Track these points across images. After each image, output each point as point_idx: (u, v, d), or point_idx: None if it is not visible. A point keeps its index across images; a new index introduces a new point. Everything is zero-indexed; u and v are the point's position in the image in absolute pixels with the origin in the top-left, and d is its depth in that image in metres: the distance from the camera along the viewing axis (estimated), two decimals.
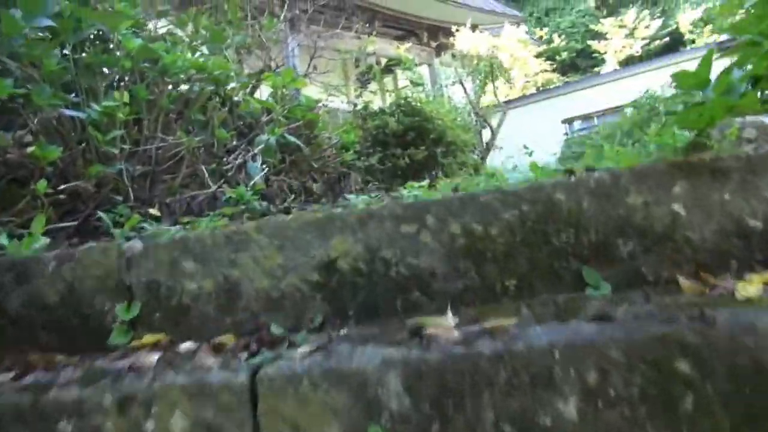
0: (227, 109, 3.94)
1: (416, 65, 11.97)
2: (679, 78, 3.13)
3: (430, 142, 6.67)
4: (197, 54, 4.41)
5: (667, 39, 23.90)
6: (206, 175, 3.14)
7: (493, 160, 10.94)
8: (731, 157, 1.39)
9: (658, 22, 23.78)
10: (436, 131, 6.65)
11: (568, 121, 17.52)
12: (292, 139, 3.85)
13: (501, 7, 15.21)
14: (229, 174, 3.34)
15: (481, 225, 1.40)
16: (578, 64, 25.15)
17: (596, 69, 24.89)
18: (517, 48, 7.66)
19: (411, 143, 6.65)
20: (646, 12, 24.45)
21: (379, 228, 1.43)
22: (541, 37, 24.85)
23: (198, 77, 3.66)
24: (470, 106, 7.42)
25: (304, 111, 4.41)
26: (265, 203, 3.03)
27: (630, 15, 24.04)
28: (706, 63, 2.86)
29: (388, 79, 15.69)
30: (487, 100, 8.25)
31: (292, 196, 3.78)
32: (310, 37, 8.68)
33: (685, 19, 23.45)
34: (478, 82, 7.46)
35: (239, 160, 3.44)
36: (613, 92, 17.05)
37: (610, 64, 24.08)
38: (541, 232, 1.39)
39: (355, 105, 6.81)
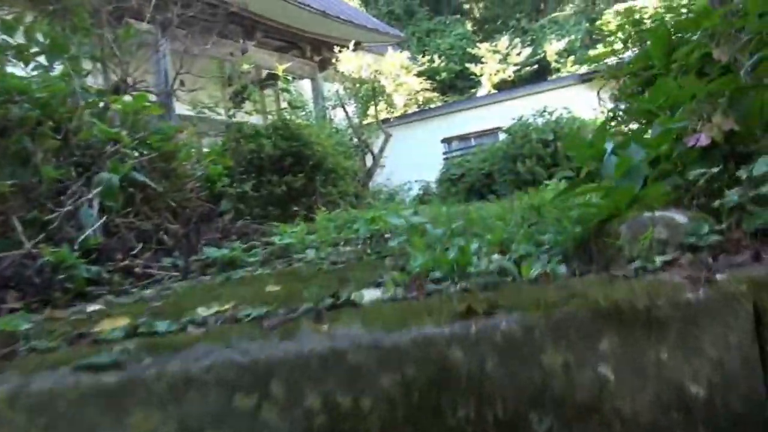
0: (62, 138, 3.26)
1: (294, 79, 11.46)
2: (574, 146, 2.89)
3: (309, 168, 6.22)
4: (31, 66, 3.69)
5: (536, 66, 25.12)
6: (19, 227, 2.49)
7: (375, 180, 10.72)
8: (668, 304, 1.07)
9: (528, 50, 24.93)
10: (315, 157, 6.20)
11: (447, 141, 17.76)
12: (140, 176, 3.25)
13: (384, 26, 15.09)
14: (55, 224, 2.69)
15: (350, 396, 0.98)
16: (457, 84, 25.78)
17: (473, 90, 25.67)
18: (399, 73, 7.44)
19: (289, 169, 6.16)
20: (517, 40, 25.57)
21: (203, 400, 0.97)
22: (423, 54, 25.28)
23: (21, 98, 2.97)
24: (352, 130, 7.07)
25: (161, 140, 3.79)
26: (96, 268, 2.43)
27: (504, 41, 25.02)
28: (600, 134, 2.65)
29: (268, 92, 15.10)
30: (369, 121, 7.96)
31: (141, 245, 3.16)
32: (183, 43, 7.95)
33: (551, 49, 24.76)
34: (360, 105, 7.13)
35: (69, 206, 2.80)
36: (488, 115, 17.52)
37: (485, 87, 24.93)
38: (432, 405, 0.99)
39: (228, 125, 6.22)
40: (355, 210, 6.30)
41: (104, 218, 2.85)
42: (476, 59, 25.48)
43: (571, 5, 27.85)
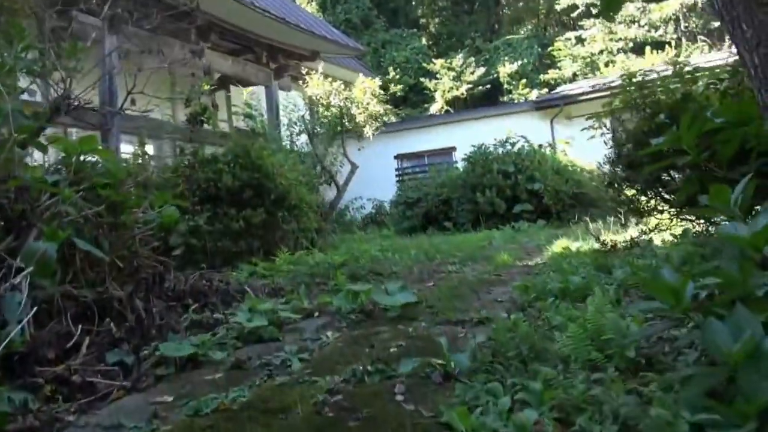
0: None
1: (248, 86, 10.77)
2: (654, 288, 2.25)
3: (270, 202, 5.62)
4: None
5: (489, 86, 25.15)
6: None
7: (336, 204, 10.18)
8: None
9: (482, 70, 24.92)
10: (278, 191, 5.62)
11: (400, 158, 17.39)
12: (83, 244, 2.62)
13: (344, 38, 14.55)
14: None
15: None
16: (410, 98, 25.48)
17: (426, 105, 25.44)
18: (370, 101, 6.91)
19: (248, 202, 5.55)
20: (472, 58, 25.53)
21: None
22: (378, 64, 24.84)
23: None
24: (317, 158, 6.49)
25: (109, 187, 3.16)
26: (20, 396, 1.82)
27: (458, 59, 24.92)
28: (684, 281, 2.13)
29: (219, 94, 14.27)
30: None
31: (80, 328, 2.53)
32: (130, 40, 7.18)
33: (504, 70, 24.84)
34: (326, 132, 6.56)
35: None
36: (443, 134, 17.28)
37: (439, 103, 24.74)
38: None
39: (182, 150, 5.55)
40: (319, 252, 5.75)
41: (34, 309, 2.22)
42: (431, 74, 25.26)
43: (524, 30, 28.11)
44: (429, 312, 3.16)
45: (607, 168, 4.45)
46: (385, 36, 26.67)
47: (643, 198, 4.15)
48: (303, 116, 6.63)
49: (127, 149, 7.21)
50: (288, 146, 10.21)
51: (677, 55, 23.03)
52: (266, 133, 6.62)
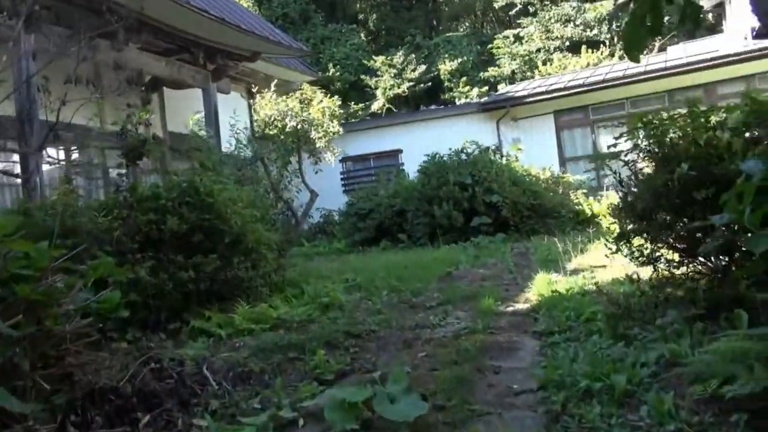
0: None
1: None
2: None
3: (224, 246, 4.85)
4: None
5: (430, 84, 24.72)
6: None
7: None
8: None
9: (423, 67, 24.44)
10: (233, 233, 4.85)
11: (345, 161, 16.67)
12: None
13: (288, 39, 13.64)
14: None
15: None
16: (351, 95, 24.71)
17: (367, 102, 24.73)
18: (329, 124, 6.16)
19: (198, 248, 4.75)
20: (412, 55, 25.01)
21: None
22: (318, 61, 23.91)
23: None
24: (271, 186, 5.70)
25: (26, 281, 2.36)
26: None
27: (399, 56, 24.35)
28: None
29: (153, 97, 13.12)
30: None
31: None
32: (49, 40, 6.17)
33: (444, 68, 24.46)
34: (281, 156, 5.78)
35: None
36: (388, 136, 16.69)
37: (380, 101, 24.11)
38: None
39: (118, 187, 4.68)
40: (279, 298, 5.03)
41: None
42: (371, 72, 24.58)
43: (462, 27, 27.82)
44: (444, 423, 2.54)
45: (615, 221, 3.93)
46: (323, 32, 25.72)
47: (649, 246, 3.65)
48: (250, 137, 5.81)
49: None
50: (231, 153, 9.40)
51: (611, 55, 23.32)
52: (212, 157, 5.78)
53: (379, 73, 24.31)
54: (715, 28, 22.38)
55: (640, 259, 3.72)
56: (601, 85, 14.57)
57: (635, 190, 3.72)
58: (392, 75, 24.11)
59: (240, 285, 4.89)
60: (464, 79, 24.55)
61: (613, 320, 3.50)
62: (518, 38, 25.64)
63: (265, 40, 12.60)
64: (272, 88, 6.06)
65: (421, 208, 10.07)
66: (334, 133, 5.78)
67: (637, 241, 3.76)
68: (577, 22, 24.07)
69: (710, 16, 23.62)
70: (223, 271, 4.73)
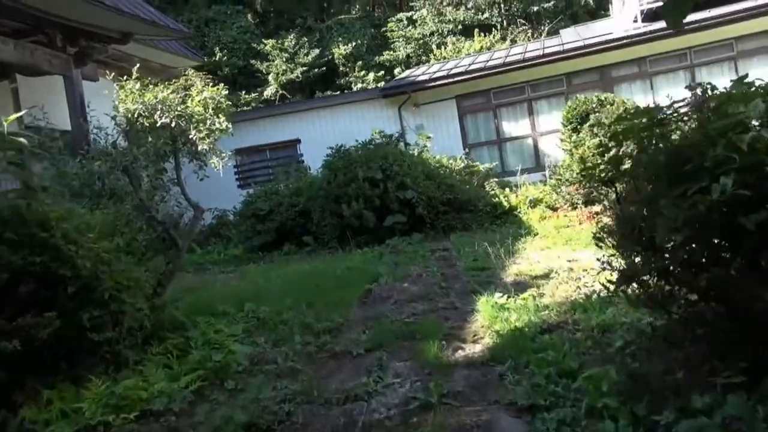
0: None
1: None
2: None
3: (68, 298, 3.37)
4: None
5: (325, 69, 23.29)
6: None
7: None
8: None
9: (317, 51, 22.95)
10: (80, 277, 3.38)
11: (239, 153, 14.99)
12: None
13: (164, 18, 11.75)
14: None
15: None
16: (241, 81, 22.75)
17: (259, 89, 22.89)
18: (215, 120, 4.72)
19: (29, 302, 3.25)
20: (305, 39, 23.42)
21: None
22: (203, 45, 21.69)
23: None
24: (141, 204, 4.20)
25: None
26: None
27: (290, 40, 22.69)
28: None
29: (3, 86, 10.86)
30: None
31: None
32: None
33: (339, 52, 23.13)
34: (152, 163, 4.33)
35: None
36: (285, 125, 15.20)
37: (273, 86, 22.38)
38: None
39: None
40: (157, 372, 3.62)
41: None
42: (262, 56, 22.73)
43: (354, 10, 26.51)
44: None
45: (613, 255, 2.87)
46: (207, 13, 23.40)
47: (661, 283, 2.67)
48: (115, 139, 4.27)
49: None
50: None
51: (503, 38, 23.05)
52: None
53: (270, 57, 22.54)
54: (596, 13, 22.70)
55: (642, 297, 2.73)
56: (502, 69, 13.91)
57: (634, 210, 2.71)
58: (284, 59, 22.43)
59: (95, 350, 3.44)
60: (359, 63, 23.35)
61: (628, 397, 2.48)
62: (411, 21, 24.76)
63: (137, 19, 10.70)
64: (134, 74, 4.51)
65: (328, 207, 8.81)
66: (221, 131, 4.45)
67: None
68: (469, 5, 23.55)
69: (591, 1, 23.99)
70: (67, 333, 3.26)
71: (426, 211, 8.65)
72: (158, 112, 4.31)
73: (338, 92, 21.50)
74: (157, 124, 4.34)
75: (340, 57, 23.22)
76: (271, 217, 9.54)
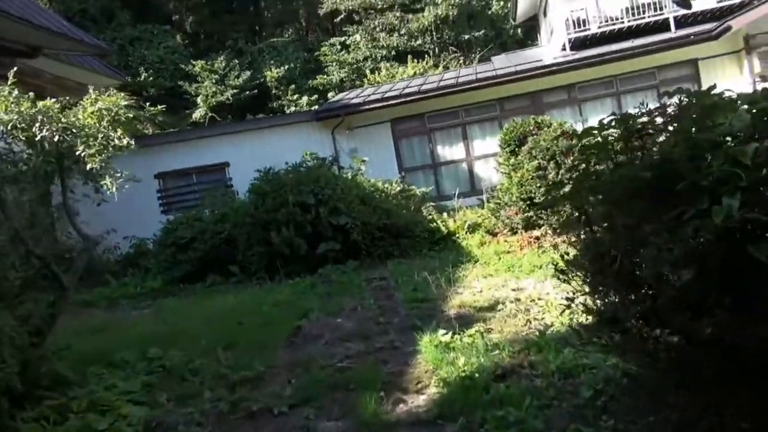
0: None
1: None
2: None
3: None
4: None
5: (256, 92, 22.53)
6: None
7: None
8: None
9: (248, 74, 22.19)
10: None
11: (163, 177, 13.98)
12: None
13: (77, 31, 10.74)
14: None
15: None
16: (168, 102, 21.62)
17: (187, 111, 21.83)
18: (111, 134, 3.95)
19: None
20: (236, 61, 22.63)
21: None
22: (127, 64, 20.45)
23: None
24: (15, 235, 3.38)
25: None
26: None
27: (220, 61, 21.84)
28: None
29: None
30: None
31: None
32: None
33: (271, 75, 22.47)
34: (30, 183, 3.48)
35: None
36: (213, 148, 14.30)
37: (202, 109, 21.39)
38: None
39: None
40: None
41: None
42: (191, 77, 21.74)
43: (287, 33, 26.01)
44: None
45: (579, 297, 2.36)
46: (132, 32, 22.19)
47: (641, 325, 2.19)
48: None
49: None
50: None
51: (436, 65, 23.08)
52: None
53: (199, 79, 21.58)
54: (524, 43, 23.18)
55: (620, 343, 2.24)
56: (436, 93, 13.69)
57: (609, 238, 2.23)
58: (214, 81, 21.51)
59: None
60: (292, 86, 22.75)
61: None
62: (345, 46, 24.47)
63: (46, 31, 9.70)
64: (10, 79, 3.64)
65: (255, 234, 8.06)
66: (118, 148, 3.70)
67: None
68: (402, 32, 23.51)
69: (519, 31, 24.53)
70: None
71: (361, 237, 8.07)
72: (38, 124, 3.54)
73: (270, 115, 20.76)
74: (36, 138, 3.57)
75: (273, 80, 22.55)
76: (194, 246, 8.69)
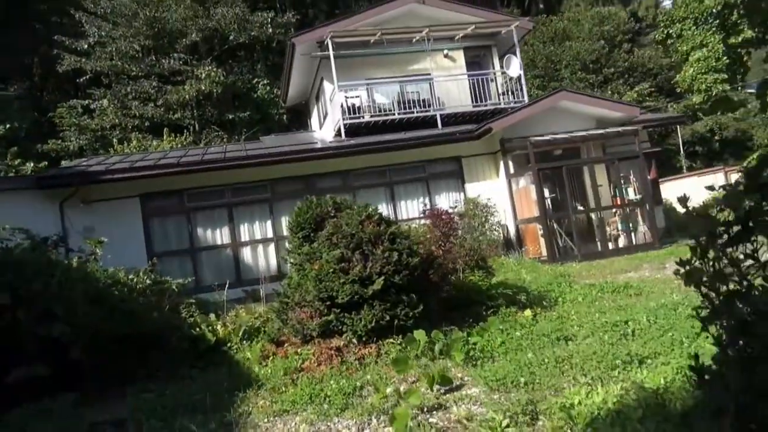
0: None
1: None
2: None
3: None
4: None
5: None
6: None
7: None
8: None
9: None
10: None
11: None
12: None
13: None
14: None
15: None
16: None
17: None
18: None
19: None
20: None
21: None
22: None
23: None
24: None
25: None
26: None
27: None
28: None
29: None
30: None
31: None
32: None
33: None
34: None
35: None
36: None
37: None
38: None
39: None
40: None
41: None
42: None
43: (13, 88, 21.16)
44: None
45: None
46: None
47: None
48: None
49: None
50: None
51: (196, 142, 20.70)
52: None
53: None
54: (289, 129, 22.34)
55: None
56: (199, 167, 11.51)
57: None
58: None
59: None
60: (14, 149, 18.03)
61: None
62: (88, 110, 20.70)
63: None
64: None
65: None
66: None
67: None
68: (159, 102, 20.80)
69: (285, 117, 23.79)
70: None
71: (87, 354, 5.33)
72: None
73: None
74: None
75: None
76: None
